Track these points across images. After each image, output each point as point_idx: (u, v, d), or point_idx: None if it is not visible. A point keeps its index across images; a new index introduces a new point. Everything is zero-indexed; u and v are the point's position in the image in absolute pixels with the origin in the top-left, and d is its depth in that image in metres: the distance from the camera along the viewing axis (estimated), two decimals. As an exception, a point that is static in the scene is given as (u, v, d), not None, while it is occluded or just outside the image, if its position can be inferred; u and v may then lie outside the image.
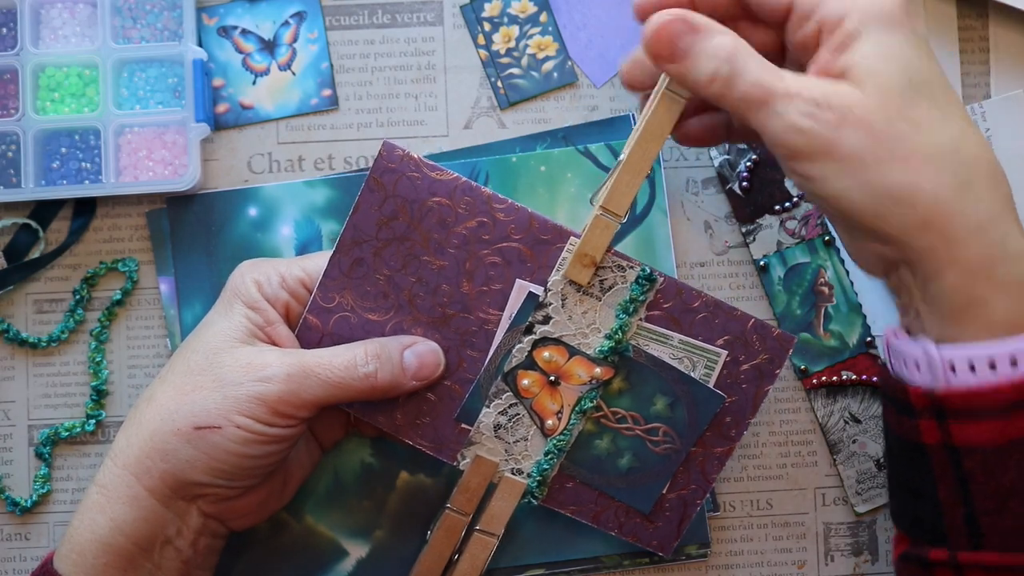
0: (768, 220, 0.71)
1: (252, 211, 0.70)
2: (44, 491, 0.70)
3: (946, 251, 0.51)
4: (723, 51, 0.53)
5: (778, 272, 0.71)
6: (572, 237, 0.61)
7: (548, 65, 0.72)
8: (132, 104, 0.70)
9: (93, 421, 0.70)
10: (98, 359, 0.70)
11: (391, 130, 0.72)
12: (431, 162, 0.61)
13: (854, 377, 0.70)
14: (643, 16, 0.55)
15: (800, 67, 0.55)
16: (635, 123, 0.71)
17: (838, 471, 0.71)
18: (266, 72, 0.72)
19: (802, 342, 0.71)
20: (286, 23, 0.72)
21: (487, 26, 0.72)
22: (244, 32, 0.72)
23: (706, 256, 0.72)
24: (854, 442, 0.71)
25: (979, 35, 0.73)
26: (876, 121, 0.51)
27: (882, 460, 0.70)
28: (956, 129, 0.52)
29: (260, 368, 0.58)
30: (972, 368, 0.52)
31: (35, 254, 0.71)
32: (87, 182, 0.69)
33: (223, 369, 0.58)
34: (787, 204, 0.71)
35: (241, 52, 0.72)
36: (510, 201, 0.61)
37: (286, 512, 0.69)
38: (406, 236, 0.61)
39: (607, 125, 0.72)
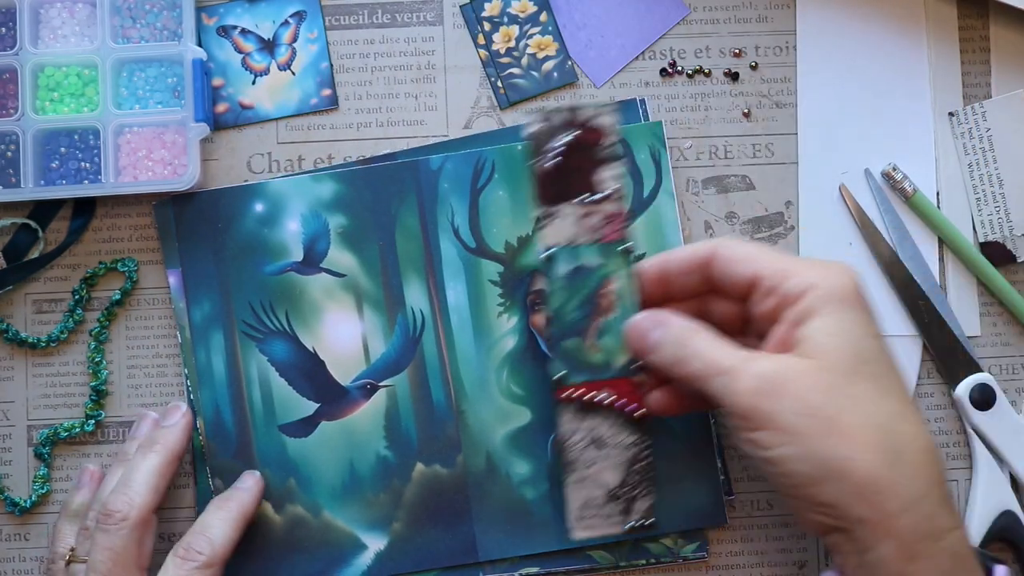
0: (568, 209, 0.64)
1: (258, 207, 0.70)
2: (43, 491, 0.70)
3: (880, 523, 0.54)
4: (675, 337, 0.59)
5: (564, 267, 0.64)
6: None
7: (548, 65, 0.72)
8: (131, 104, 0.69)
9: (92, 421, 0.70)
10: (97, 359, 0.70)
11: (391, 130, 0.72)
12: None
13: None
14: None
15: (762, 336, 0.59)
16: (641, 109, 0.71)
17: (838, 471, 0.71)
18: (266, 72, 0.72)
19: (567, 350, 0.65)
20: (286, 23, 0.72)
21: (487, 26, 0.72)
22: (244, 32, 0.72)
23: (706, 256, 0.72)
24: (854, 442, 0.70)
25: (979, 35, 0.73)
26: (816, 396, 0.55)
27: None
28: (894, 407, 0.56)
29: None
30: None
31: (34, 254, 0.71)
32: (86, 182, 0.69)
33: None
34: (595, 196, 0.64)
35: (241, 52, 0.72)
36: None
37: (303, 508, 0.69)
38: None
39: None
